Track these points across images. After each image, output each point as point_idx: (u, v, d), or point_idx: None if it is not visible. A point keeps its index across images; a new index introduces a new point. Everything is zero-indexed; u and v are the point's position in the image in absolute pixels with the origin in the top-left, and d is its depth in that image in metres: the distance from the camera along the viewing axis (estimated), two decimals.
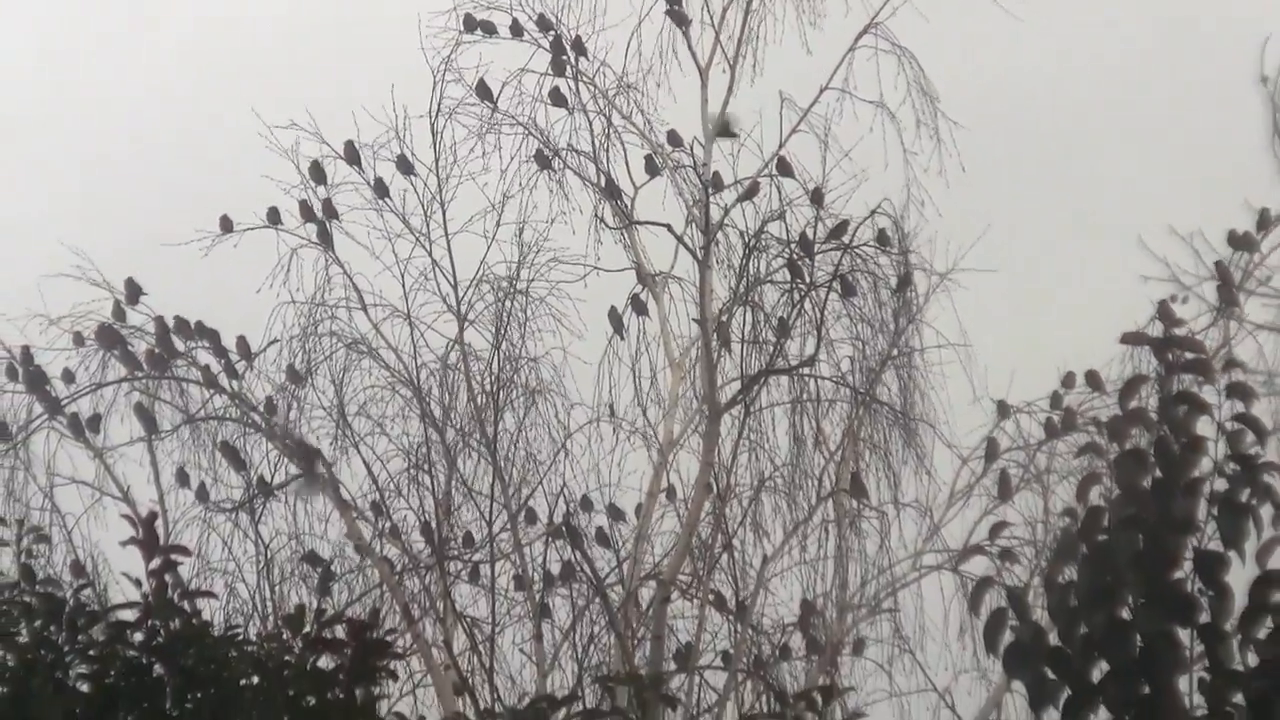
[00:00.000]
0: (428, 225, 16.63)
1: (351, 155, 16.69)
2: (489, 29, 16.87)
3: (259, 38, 20.62)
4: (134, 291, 16.57)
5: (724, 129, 16.24)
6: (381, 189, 16.69)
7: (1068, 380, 15.97)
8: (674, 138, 16.86)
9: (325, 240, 16.71)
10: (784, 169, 16.58)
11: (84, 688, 9.72)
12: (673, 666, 15.82)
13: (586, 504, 16.45)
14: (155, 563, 9.92)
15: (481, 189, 16.69)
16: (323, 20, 20.45)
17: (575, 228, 16.76)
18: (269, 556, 16.17)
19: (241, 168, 16.85)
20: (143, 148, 21.11)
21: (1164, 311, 10.29)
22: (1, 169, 21.23)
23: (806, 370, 16.46)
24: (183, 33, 21.61)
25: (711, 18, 16.93)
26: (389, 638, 10.21)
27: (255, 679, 9.76)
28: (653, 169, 16.86)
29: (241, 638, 10.13)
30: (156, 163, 20.74)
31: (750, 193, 16.64)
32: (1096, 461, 9.99)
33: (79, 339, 16.52)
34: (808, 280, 16.46)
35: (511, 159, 16.80)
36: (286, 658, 9.78)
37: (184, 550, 10.62)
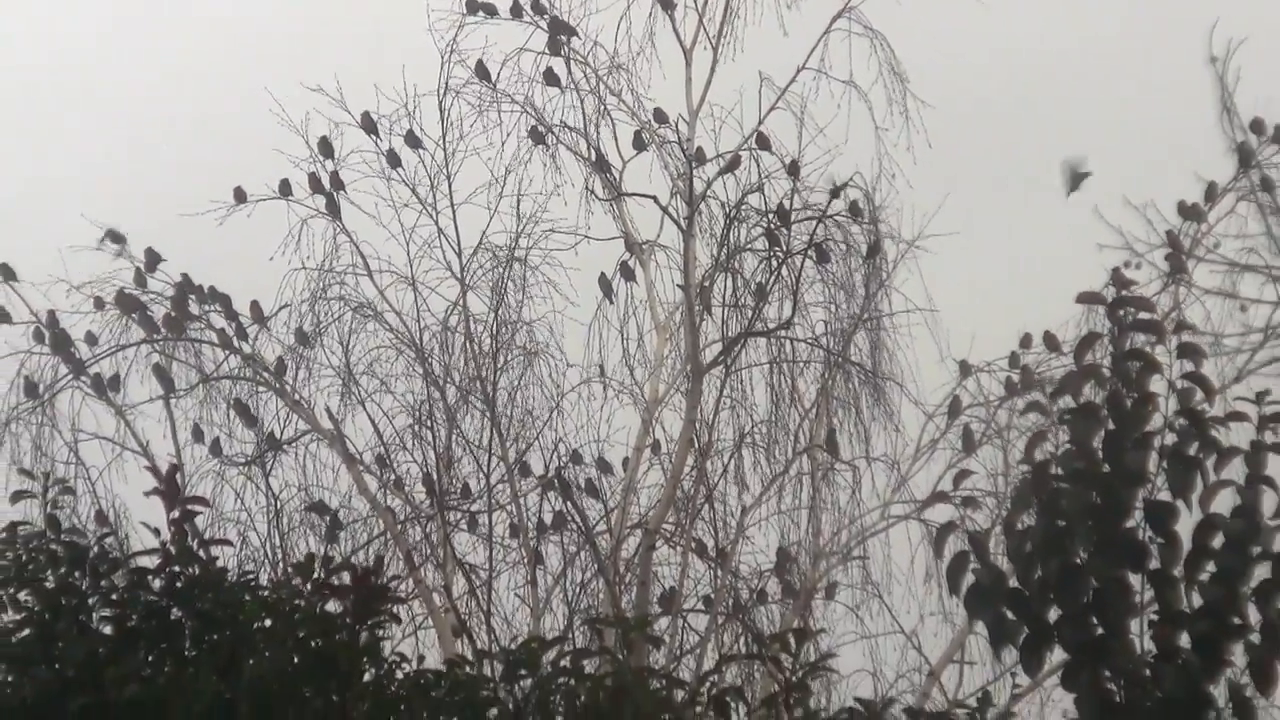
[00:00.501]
0: (434, 196, 16.65)
1: (369, 125, 16.69)
2: (490, 10, 16.86)
3: (278, 22, 20.59)
4: (153, 260, 16.58)
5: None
6: (394, 159, 16.70)
7: (1025, 341, 16.02)
8: (660, 115, 16.83)
9: (333, 210, 16.73)
10: (763, 144, 16.57)
11: (106, 629, 9.75)
12: (657, 610, 15.81)
13: (577, 458, 16.49)
14: (174, 513, 9.95)
15: (485, 163, 16.74)
16: (339, 4, 20.44)
17: (568, 199, 16.80)
18: (279, 507, 16.19)
19: (255, 143, 16.85)
20: (164, 124, 21.11)
21: (1118, 277, 10.32)
22: (30, 141, 21.20)
23: (783, 333, 16.48)
24: (208, 16, 21.58)
25: (695, 1, 16.93)
26: (392, 583, 10.25)
27: (267, 622, 9.78)
28: (640, 144, 16.84)
29: (254, 583, 10.16)
30: (177, 138, 20.73)
31: (731, 166, 16.64)
32: (1043, 419, 10.05)
33: (100, 304, 16.53)
34: (784, 248, 16.49)
35: (509, 135, 16.84)
36: (296, 602, 9.79)
37: (201, 501, 10.66)
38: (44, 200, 19.09)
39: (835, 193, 16.24)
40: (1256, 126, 14.56)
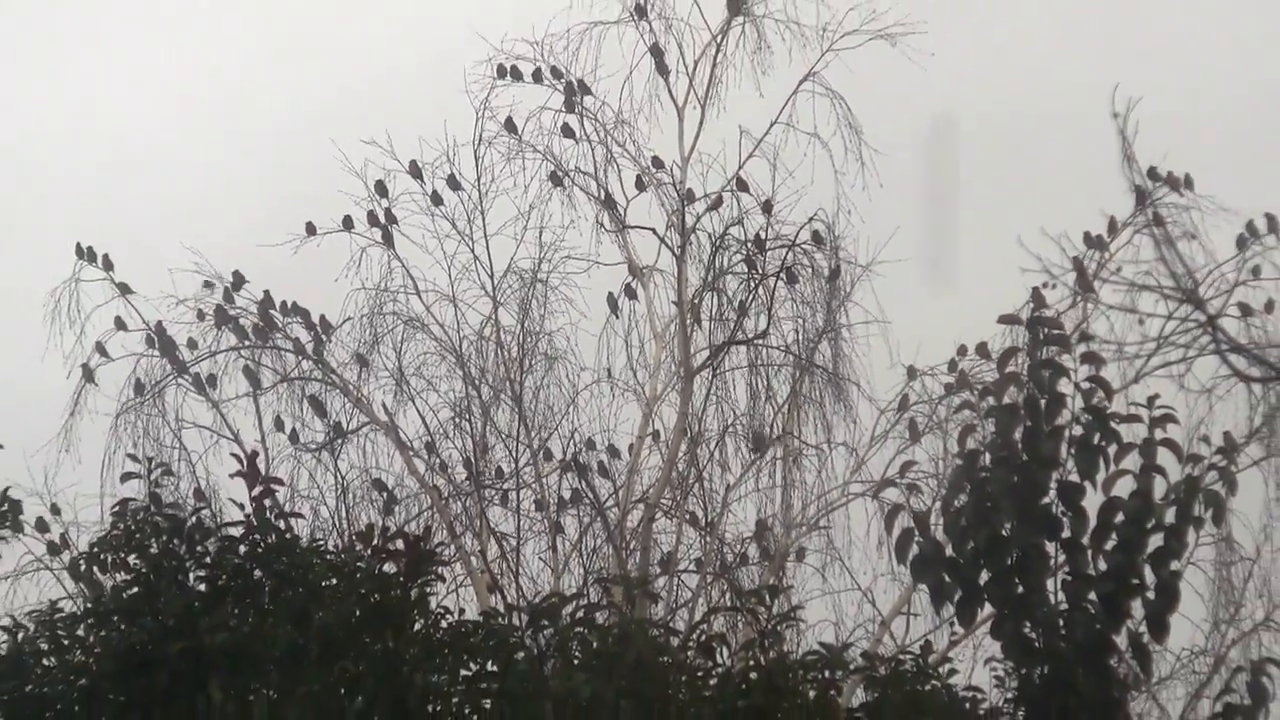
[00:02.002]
0: (471, 229, 16.68)
1: (415, 171, 16.72)
2: (516, 75, 16.85)
3: (341, 90, 20.56)
4: (239, 281, 16.59)
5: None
6: (437, 199, 16.71)
7: (961, 351, 15.97)
8: (657, 161, 16.83)
9: (387, 241, 16.74)
10: (742, 186, 16.55)
11: (200, 587, 9.75)
12: (656, 571, 15.82)
13: (590, 445, 16.49)
14: (257, 490, 9.97)
15: (512, 201, 16.78)
16: (392, 71, 20.42)
17: (581, 231, 16.83)
18: (344, 485, 16.24)
19: (322, 186, 16.87)
20: (249, 170, 21.10)
21: (1036, 296, 10.38)
22: (137, 186, 21.18)
23: (760, 342, 16.46)
24: (285, 85, 21.57)
25: (686, 69, 16.88)
26: (437, 549, 10.22)
27: (333, 580, 9.78)
28: (641, 186, 16.84)
29: (323, 549, 10.20)
30: (258, 182, 20.74)
31: (716, 204, 16.62)
32: (973, 415, 10.06)
33: (200, 316, 16.53)
34: (760, 272, 16.48)
35: (532, 179, 16.85)
36: (358, 564, 9.79)
37: (279, 481, 10.66)
38: (154, 229, 19.08)
39: (801, 226, 16.32)
40: (1152, 173, 14.60)
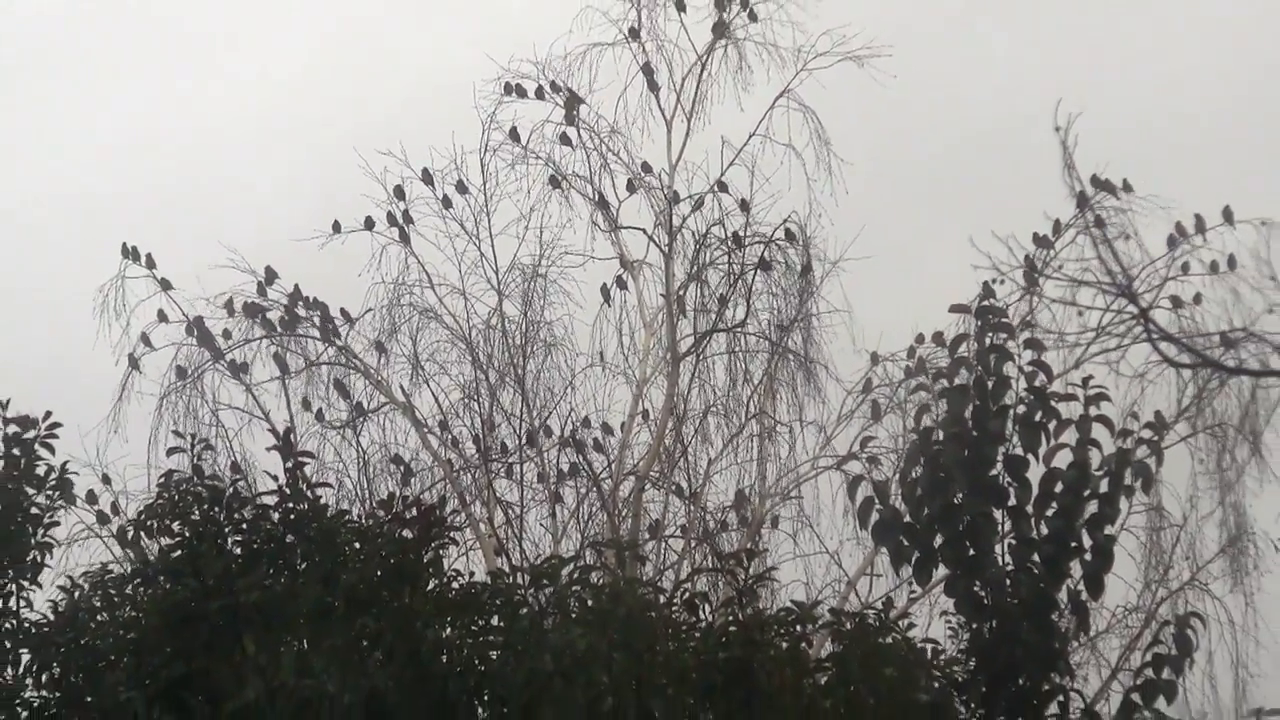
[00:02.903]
0: (478, 229, 16.66)
1: (427, 178, 16.72)
2: (521, 91, 16.83)
3: (363, 106, 20.60)
4: (270, 275, 16.54)
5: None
6: (447, 202, 16.71)
7: (919, 338, 15.91)
8: (647, 167, 16.79)
9: (404, 239, 16.71)
10: (723, 189, 16.55)
11: (238, 550, 9.79)
12: (646, 536, 15.82)
13: (586, 423, 16.44)
14: (288, 464, 10.00)
15: (515, 204, 16.76)
16: (408, 89, 20.48)
17: (577, 230, 16.79)
18: (365, 459, 16.23)
19: (346, 190, 16.89)
20: (280, 177, 21.13)
21: (985, 290, 10.37)
22: (183, 191, 21.21)
23: (738, 330, 16.46)
24: (318, 100, 21.60)
25: (674, 86, 16.84)
26: (449, 517, 10.25)
27: (356, 545, 9.81)
28: (632, 189, 16.79)
29: (347, 516, 10.24)
30: (289, 185, 20.77)
31: (699, 205, 16.61)
32: (928, 396, 10.10)
33: (231, 307, 16.55)
34: (739, 267, 16.53)
35: (533, 183, 16.84)
36: (378, 530, 9.83)
37: (308, 455, 10.69)
38: (193, 229, 19.11)
39: (777, 227, 16.35)
40: (1093, 179, 14.60)
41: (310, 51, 23.13)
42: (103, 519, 14.91)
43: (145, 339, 16.32)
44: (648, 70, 16.83)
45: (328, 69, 22.26)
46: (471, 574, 10.55)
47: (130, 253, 16.44)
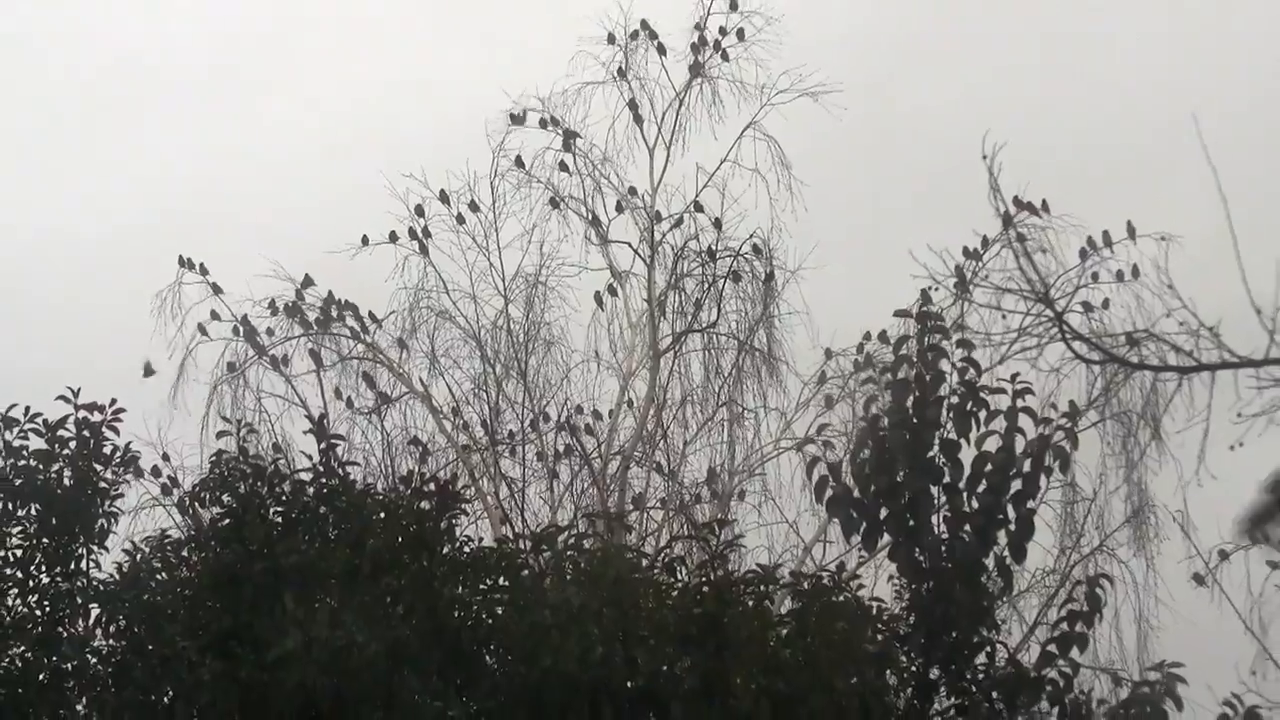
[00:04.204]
0: (487, 242, 16.66)
1: (443, 198, 16.70)
2: (521, 120, 16.82)
3: (389, 137, 20.50)
4: (307, 282, 16.54)
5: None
6: (461, 219, 16.70)
7: (866, 337, 15.93)
8: (633, 190, 16.76)
9: (424, 251, 16.71)
10: (698, 209, 16.57)
11: (278, 519, 9.78)
12: (631, 507, 15.84)
13: (579, 410, 16.42)
14: (321, 445, 9.99)
15: (519, 221, 16.76)
16: (425, 122, 20.45)
17: (574, 244, 16.81)
18: (389, 441, 16.22)
19: (373, 208, 16.89)
20: (314, 196, 21.07)
21: (924, 297, 10.37)
22: (230, 210, 21.15)
23: (711, 330, 16.50)
24: (353, 132, 21.50)
25: (656, 118, 16.83)
26: (461, 491, 10.26)
27: (381, 515, 9.81)
28: (620, 209, 16.79)
29: (373, 490, 10.22)
30: (324, 203, 20.74)
31: (678, 223, 16.63)
32: (875, 387, 10.11)
33: (274, 309, 16.53)
34: (712, 276, 16.54)
35: (536, 203, 16.84)
36: (400, 502, 9.83)
37: (339, 437, 10.69)
38: (241, 243, 19.08)
39: (744, 241, 16.40)
40: (1016, 201, 14.58)
41: (342, 90, 23.08)
42: (166, 490, 14.89)
43: (202, 329, 16.29)
44: (633, 105, 16.82)
45: (361, 105, 22.20)
46: (480, 540, 10.55)
47: (186, 262, 16.42)
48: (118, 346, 17.07)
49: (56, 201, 22.64)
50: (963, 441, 9.80)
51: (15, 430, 9.90)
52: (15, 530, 9.79)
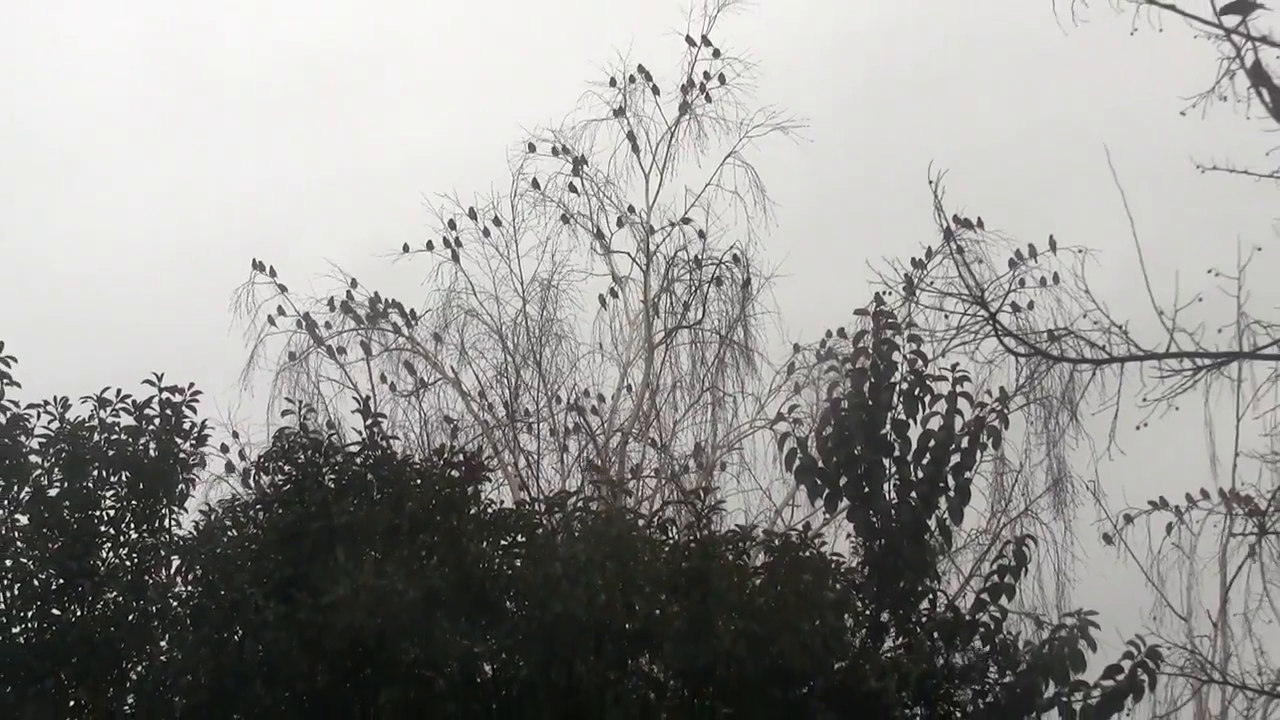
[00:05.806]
0: (508, 252, 16.64)
1: (472, 214, 16.68)
2: (535, 148, 16.81)
3: (424, 165, 20.47)
4: (354, 283, 16.51)
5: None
6: (487, 232, 16.68)
7: (828, 333, 15.93)
8: (631, 209, 16.75)
9: (455, 259, 16.69)
10: (686, 224, 16.59)
11: (331, 485, 9.74)
12: (629, 476, 15.81)
13: (586, 394, 16.45)
14: (368, 422, 9.95)
15: (535, 234, 16.73)
16: (456, 152, 20.48)
17: (581, 253, 16.80)
18: (425, 419, 16.23)
19: (414, 221, 16.89)
20: (366, 211, 21.12)
21: (878, 299, 10.35)
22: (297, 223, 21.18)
23: (697, 327, 16.48)
24: (399, 160, 21.45)
25: (651, 148, 16.79)
26: (485, 461, 10.24)
27: (418, 482, 9.77)
28: (621, 224, 16.80)
29: (412, 461, 10.18)
30: (373, 216, 20.80)
31: (669, 236, 16.68)
32: (836, 375, 10.09)
33: (331, 306, 16.50)
34: (698, 280, 16.51)
35: (550, 219, 16.83)
36: (434, 471, 9.80)
37: (383, 416, 10.64)
38: (302, 247, 19.11)
39: (725, 252, 16.37)
40: (956, 218, 14.56)
41: (382, 119, 23.05)
42: (230, 468, 14.91)
43: (271, 320, 16.30)
44: (631, 137, 16.79)
45: (398, 135, 22.19)
46: (502, 503, 10.50)
47: (258, 265, 16.45)
48: (197, 340, 17.13)
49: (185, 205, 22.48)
50: (910, 421, 9.81)
51: (109, 409, 9.87)
52: (108, 494, 9.77)
